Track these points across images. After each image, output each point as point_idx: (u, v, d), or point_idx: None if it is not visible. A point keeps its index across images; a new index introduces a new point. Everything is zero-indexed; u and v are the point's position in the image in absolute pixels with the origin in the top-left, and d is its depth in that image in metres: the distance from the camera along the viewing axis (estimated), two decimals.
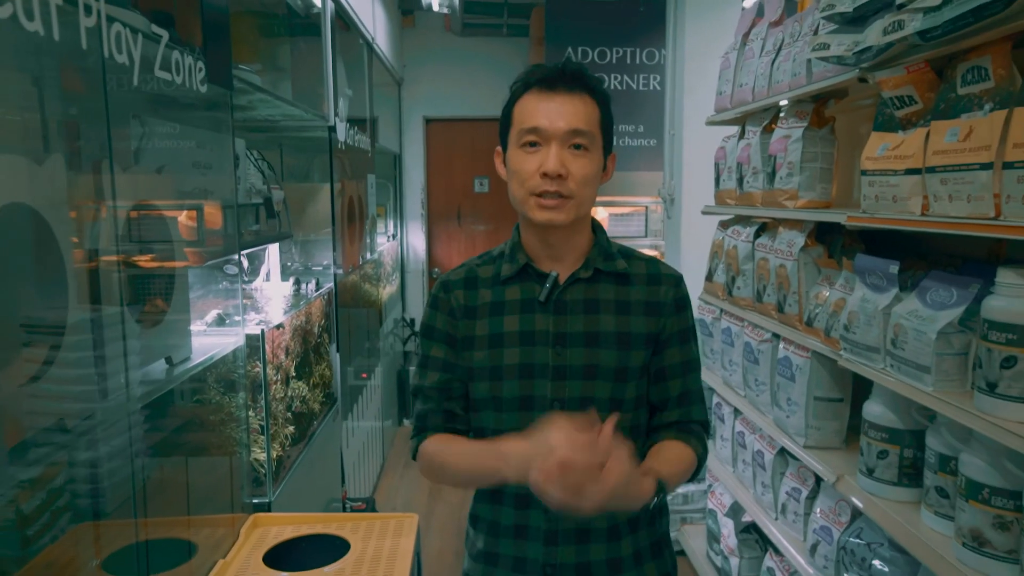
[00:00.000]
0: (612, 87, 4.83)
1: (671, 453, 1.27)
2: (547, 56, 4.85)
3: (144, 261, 1.47)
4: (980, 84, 1.44)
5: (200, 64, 1.62)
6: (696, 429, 1.33)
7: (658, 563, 1.33)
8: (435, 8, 4.57)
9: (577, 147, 1.21)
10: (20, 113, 1.07)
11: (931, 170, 1.53)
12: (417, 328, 5.82)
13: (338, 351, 2.98)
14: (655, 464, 1.21)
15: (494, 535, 1.32)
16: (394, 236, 5.62)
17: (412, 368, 5.31)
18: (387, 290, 5.07)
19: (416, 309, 5.94)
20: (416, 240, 5.92)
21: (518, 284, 1.29)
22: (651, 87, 4.89)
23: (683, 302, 1.34)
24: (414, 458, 1.35)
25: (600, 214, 5.14)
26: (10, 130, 1.03)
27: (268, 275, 2.78)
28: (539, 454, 1.03)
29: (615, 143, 1.34)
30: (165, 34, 1.44)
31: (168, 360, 1.54)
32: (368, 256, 4.22)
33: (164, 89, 1.45)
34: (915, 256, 2.03)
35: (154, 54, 1.40)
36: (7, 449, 1.05)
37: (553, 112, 1.20)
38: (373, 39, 4.15)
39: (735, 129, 2.84)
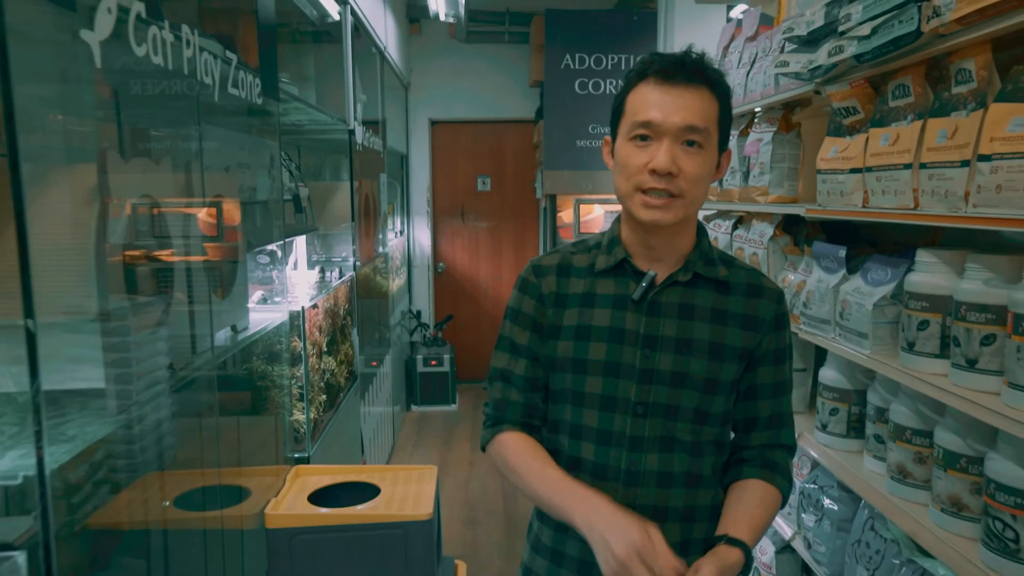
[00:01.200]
0: (607, 91, 5.13)
1: (754, 502, 1.22)
2: (546, 62, 5.15)
3: (213, 246, 1.78)
4: (904, 99, 1.75)
5: (257, 80, 1.93)
6: (781, 457, 1.29)
7: None
8: (442, 18, 4.88)
9: (691, 144, 1.15)
10: (149, 125, 1.38)
11: (869, 170, 1.84)
12: (423, 320, 6.13)
13: (358, 334, 3.29)
14: (738, 525, 1.18)
15: (563, 532, 1.27)
16: (401, 232, 5.93)
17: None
18: (396, 283, 5.38)
19: (422, 302, 6.25)
20: (422, 236, 6.23)
21: (612, 278, 1.25)
22: None
23: (783, 320, 1.28)
24: (484, 449, 1.32)
25: (596, 211, 5.45)
26: (141, 139, 1.34)
27: (295, 264, 3.08)
28: (626, 529, 1.03)
29: None
30: (234, 58, 1.75)
31: (233, 328, 1.85)
32: (380, 250, 4.53)
33: (233, 103, 1.76)
34: (867, 243, 2.33)
35: (227, 74, 1.71)
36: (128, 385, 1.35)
37: (669, 105, 1.14)
38: (385, 48, 4.45)
39: None
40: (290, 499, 2.04)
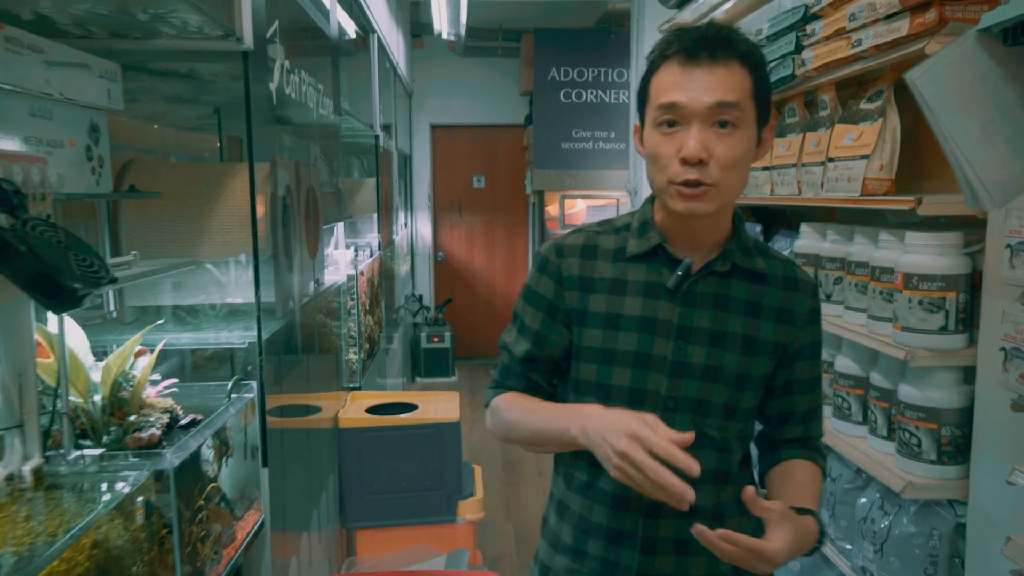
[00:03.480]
0: (588, 100, 5.86)
1: (806, 478, 1.21)
2: (535, 75, 5.87)
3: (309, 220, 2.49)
4: (793, 118, 2.49)
5: (330, 101, 2.64)
6: (820, 445, 1.29)
7: None
8: (444, 36, 5.59)
9: (723, 124, 1.06)
10: (290, 137, 2.09)
11: (773, 168, 2.57)
12: (424, 303, 6.84)
13: (385, 302, 4.01)
14: (801, 497, 1.15)
15: (583, 531, 1.21)
16: (406, 225, 6.63)
17: (414, 334, 6.34)
18: (403, 269, 6.09)
19: (423, 287, 6.96)
20: (424, 229, 6.95)
21: (644, 264, 1.18)
22: (621, 100, 5.93)
23: (817, 313, 1.24)
24: (487, 406, 1.28)
25: (578, 205, 6.20)
26: (285, 146, 2.06)
27: (336, 243, 3.79)
28: (619, 421, 0.99)
29: None
30: (321, 87, 2.46)
31: (316, 281, 2.57)
32: (392, 238, 5.24)
33: (322, 119, 2.48)
34: (787, 224, 3.08)
35: (318, 100, 2.42)
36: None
37: (694, 85, 1.05)
38: (396, 63, 5.17)
39: None
40: (353, 410, 2.76)
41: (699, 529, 0.99)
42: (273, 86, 1.82)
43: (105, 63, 1.45)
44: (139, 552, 1.06)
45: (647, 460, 0.95)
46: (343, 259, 3.74)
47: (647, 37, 4.79)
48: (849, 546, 2.02)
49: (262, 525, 1.69)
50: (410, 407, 2.83)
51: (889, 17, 1.76)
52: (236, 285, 1.92)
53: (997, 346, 1.49)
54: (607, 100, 5.95)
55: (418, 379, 6.43)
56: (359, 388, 3.04)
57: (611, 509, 1.18)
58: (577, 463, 1.23)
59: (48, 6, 1.27)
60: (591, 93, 5.89)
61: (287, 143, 2.11)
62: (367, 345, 3.25)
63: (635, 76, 4.94)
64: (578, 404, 1.15)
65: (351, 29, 3.49)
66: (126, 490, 1.06)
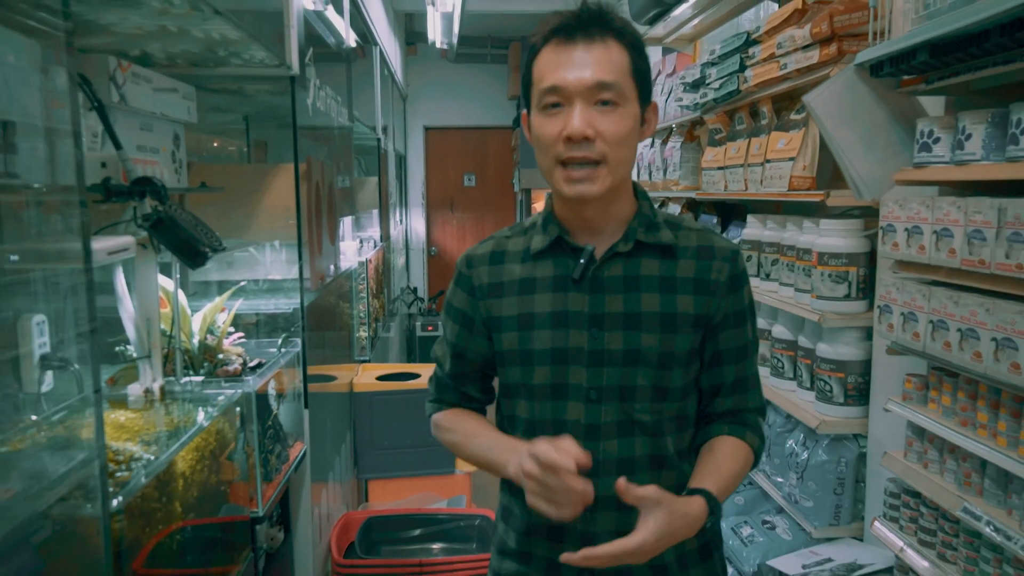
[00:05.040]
0: None
1: (722, 454, 1.16)
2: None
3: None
4: (742, 125, 2.93)
5: (345, 110, 3.06)
6: (752, 419, 1.22)
7: (706, 566, 1.20)
8: (438, 45, 6.01)
9: (605, 103, 1.05)
10: (317, 142, 2.51)
11: (726, 168, 3.01)
12: (419, 295, 7.25)
13: (387, 289, 4.42)
14: (704, 477, 1.12)
15: (527, 535, 1.20)
16: (401, 222, 7.04)
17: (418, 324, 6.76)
18: (399, 262, 6.50)
19: (417, 279, 7.37)
20: (417, 225, 7.36)
21: (551, 259, 1.15)
22: None
23: (739, 279, 1.19)
24: (430, 417, 1.30)
25: None
26: (313, 149, 2.47)
27: (343, 236, 4.20)
28: (522, 456, 1.01)
29: None
30: (340, 98, 2.88)
31: (335, 266, 2.98)
32: (390, 233, 5.65)
33: (340, 127, 2.89)
34: (741, 216, 3.52)
35: (336, 109, 2.83)
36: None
37: (572, 65, 1.04)
38: (394, 70, 5.58)
39: (648, 141, 4.32)
40: (365, 378, 3.18)
41: (565, 556, 1.03)
42: (309, 101, 2.24)
43: (186, 86, 1.87)
44: (240, 445, 1.48)
45: (537, 469, 0.99)
46: (351, 249, 4.15)
47: None
48: (780, 479, 2.46)
49: (305, 454, 2.10)
50: (414, 375, 3.25)
51: (805, 47, 2.20)
52: (275, 265, 2.34)
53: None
54: None
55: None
56: (368, 361, 3.46)
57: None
58: None
59: (156, 48, 1.68)
60: None
61: (316, 147, 2.52)
62: (374, 324, 3.67)
63: None
64: (517, 441, 1.14)
65: (356, 41, 3.91)
66: (230, 399, 1.48)
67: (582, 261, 1.13)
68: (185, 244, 1.27)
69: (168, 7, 1.32)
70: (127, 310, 1.42)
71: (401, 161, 7.18)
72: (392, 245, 6.08)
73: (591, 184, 1.07)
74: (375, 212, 4.61)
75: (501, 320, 1.17)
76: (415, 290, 7.28)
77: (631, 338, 1.12)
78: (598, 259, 1.14)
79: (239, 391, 1.52)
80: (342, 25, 3.04)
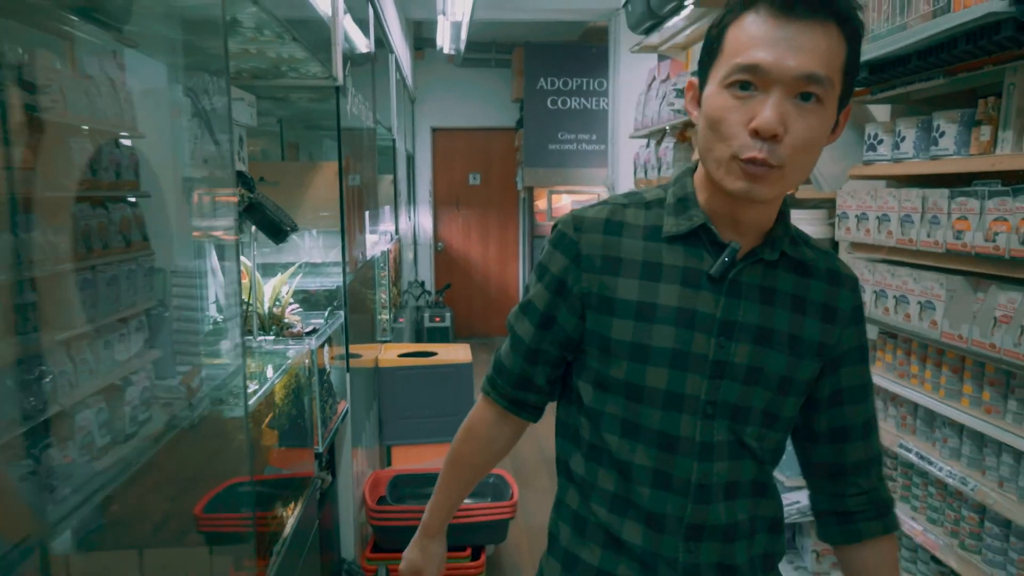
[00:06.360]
0: (572, 107, 6.64)
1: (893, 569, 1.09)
2: (525, 84, 6.63)
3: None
4: None
5: (371, 113, 3.40)
6: (886, 490, 1.12)
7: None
8: (446, 51, 6.35)
9: (806, 98, 0.89)
10: (353, 143, 2.85)
11: None
12: (426, 288, 7.60)
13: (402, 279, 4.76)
14: None
15: (580, 535, 1.08)
16: (410, 218, 7.39)
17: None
18: (408, 256, 6.85)
19: (425, 274, 7.72)
20: (425, 221, 7.71)
21: (682, 247, 1.01)
22: (601, 107, 6.70)
23: (861, 311, 1.09)
24: (481, 394, 1.20)
25: (564, 200, 6.98)
26: (350, 148, 2.82)
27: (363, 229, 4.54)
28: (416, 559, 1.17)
29: None
30: (367, 103, 3.22)
31: (363, 253, 3.33)
32: (400, 228, 5.99)
33: (367, 128, 3.23)
34: None
35: (364, 112, 3.18)
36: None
37: (784, 45, 0.88)
38: (406, 76, 5.92)
39: (645, 141, 4.67)
40: (388, 355, 3.53)
41: None
42: (347, 107, 2.58)
43: (250, 95, 2.21)
44: (307, 391, 1.83)
45: None
46: (371, 241, 4.50)
47: (622, 52, 5.57)
48: None
49: (347, 412, 2.45)
50: (431, 354, 3.60)
51: None
52: (315, 250, 2.68)
53: None
54: (589, 106, 6.71)
55: None
56: (389, 341, 3.80)
57: (645, 527, 1.02)
58: (600, 469, 1.06)
59: (233, 64, 2.02)
60: (575, 100, 6.65)
61: (352, 148, 2.87)
62: (393, 309, 4.01)
63: (612, 92, 5.73)
64: (439, 529, 1.21)
65: (376, 49, 4.25)
66: (299, 352, 1.83)
67: (725, 259, 0.99)
68: (272, 224, 1.61)
69: (257, 35, 1.66)
70: (218, 280, 1.77)
71: (410, 160, 7.52)
72: (402, 240, 6.42)
73: (763, 186, 0.91)
74: (387, 208, 4.95)
75: (614, 303, 1.02)
76: (423, 284, 7.63)
77: (759, 354, 1.01)
78: (740, 261, 1.00)
79: (305, 347, 1.86)
80: (365, 36, 3.38)
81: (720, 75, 0.92)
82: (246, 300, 1.89)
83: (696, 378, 1.00)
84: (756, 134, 0.89)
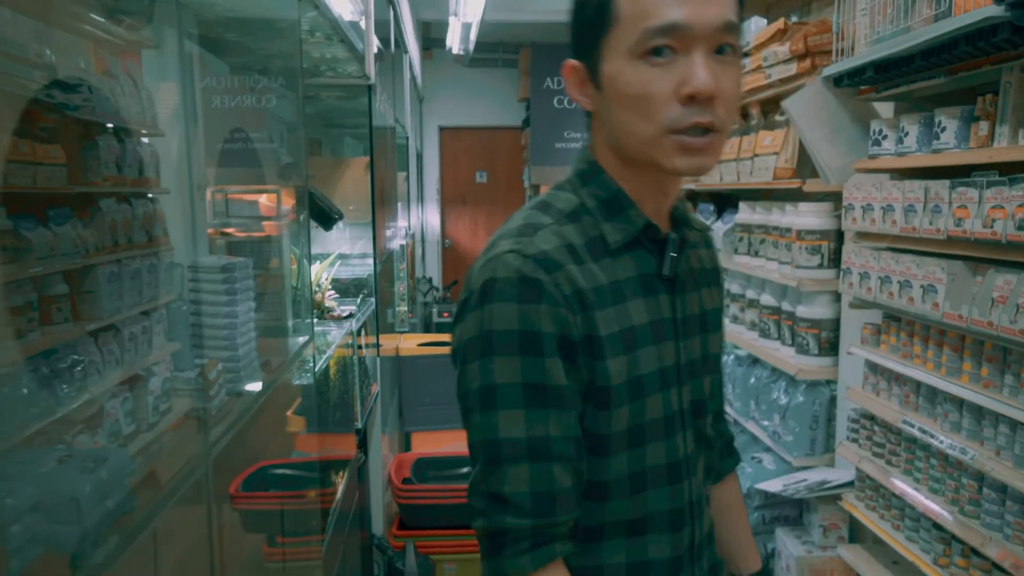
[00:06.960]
0: (578, 107, 6.75)
1: (740, 506, 1.11)
2: (531, 84, 6.76)
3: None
4: (734, 126, 3.40)
5: (393, 112, 3.53)
6: (727, 430, 1.11)
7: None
8: (455, 51, 6.49)
9: (721, 50, 0.80)
10: (381, 142, 2.99)
11: (721, 161, 3.48)
12: (434, 284, 7.73)
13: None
14: (748, 555, 1.07)
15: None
16: (418, 215, 7.52)
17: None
18: (417, 252, 6.98)
19: (432, 270, 7.86)
20: (432, 218, 7.84)
21: (627, 253, 0.88)
22: None
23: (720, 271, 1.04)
24: None
25: None
26: (377, 147, 2.95)
27: None
28: None
29: None
30: (390, 102, 3.35)
31: (387, 245, 3.46)
32: (412, 224, 6.12)
33: (389, 127, 3.36)
34: (732, 204, 3.99)
35: (389, 111, 3.30)
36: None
37: None
38: (416, 76, 6.05)
39: None
40: (407, 345, 3.66)
41: None
42: (377, 106, 2.72)
43: (292, 94, 2.34)
44: (351, 368, 1.96)
45: None
46: (389, 235, 4.63)
47: None
48: (766, 422, 2.94)
49: (378, 393, 2.58)
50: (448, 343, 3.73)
51: (786, 61, 2.68)
52: (342, 241, 2.81)
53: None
54: None
55: None
56: (407, 331, 3.93)
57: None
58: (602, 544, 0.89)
59: (276, 64, 2.15)
60: None
61: (377, 144, 3.00)
62: (411, 302, 4.15)
63: None
64: None
65: (394, 50, 4.39)
66: (342, 331, 1.96)
67: (672, 254, 0.89)
68: (322, 212, 1.74)
69: (308, 37, 1.79)
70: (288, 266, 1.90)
71: (419, 158, 7.65)
72: (413, 236, 6.55)
73: (707, 156, 0.82)
74: (400, 205, 5.08)
75: (602, 343, 0.84)
76: (430, 280, 7.75)
77: (705, 343, 0.94)
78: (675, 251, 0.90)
79: (346, 329, 2.00)
80: (387, 37, 3.52)
81: (625, 46, 0.81)
82: (294, 284, 2.03)
83: (676, 390, 0.90)
84: (691, 99, 0.79)
